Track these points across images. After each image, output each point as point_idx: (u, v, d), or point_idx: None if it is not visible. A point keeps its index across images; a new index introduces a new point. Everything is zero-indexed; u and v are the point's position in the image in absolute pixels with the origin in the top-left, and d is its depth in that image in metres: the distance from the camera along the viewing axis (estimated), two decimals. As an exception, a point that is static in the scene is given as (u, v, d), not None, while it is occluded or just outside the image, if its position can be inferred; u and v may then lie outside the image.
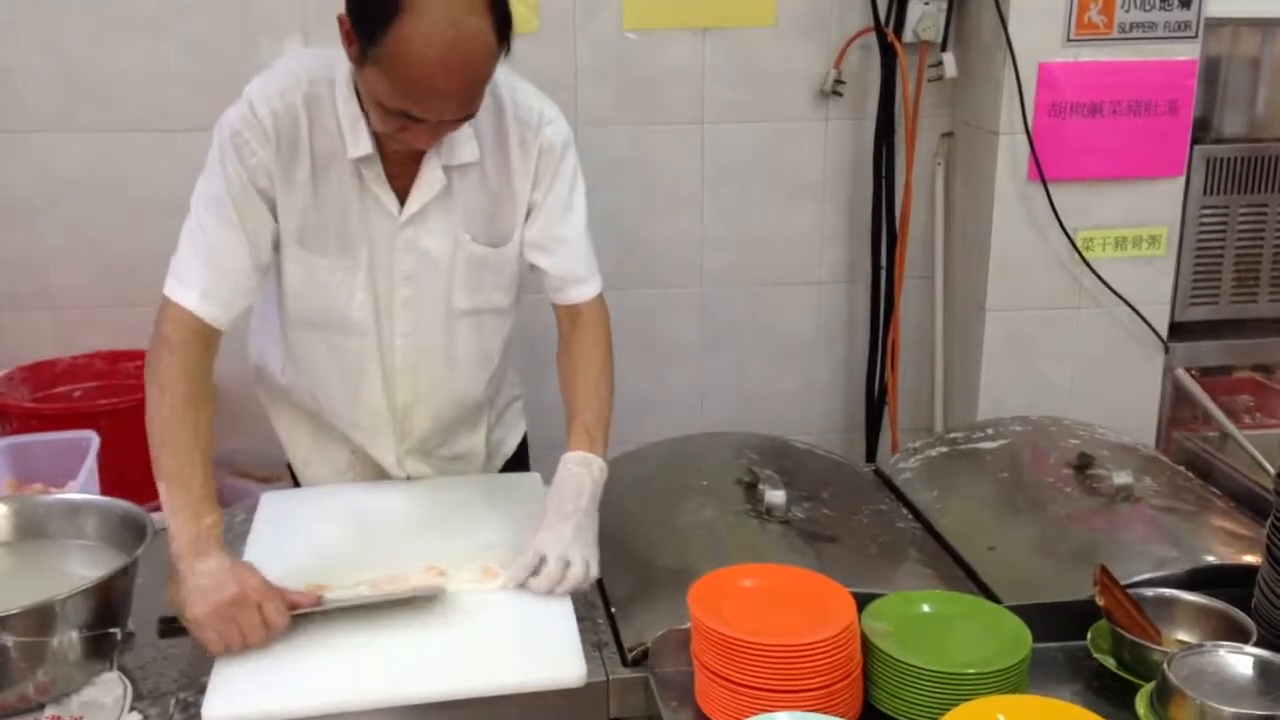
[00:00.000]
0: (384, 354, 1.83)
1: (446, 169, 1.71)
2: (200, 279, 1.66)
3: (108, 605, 1.39)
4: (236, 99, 1.72)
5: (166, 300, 1.68)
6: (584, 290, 1.83)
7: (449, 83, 1.50)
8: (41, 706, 1.35)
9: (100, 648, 1.40)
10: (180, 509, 1.52)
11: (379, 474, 1.96)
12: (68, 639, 1.34)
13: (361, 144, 1.66)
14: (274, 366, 1.95)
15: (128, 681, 1.41)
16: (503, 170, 1.76)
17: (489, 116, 1.72)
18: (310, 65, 1.70)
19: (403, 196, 1.72)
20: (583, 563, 1.58)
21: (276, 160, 1.67)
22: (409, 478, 1.95)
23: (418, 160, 1.70)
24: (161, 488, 1.55)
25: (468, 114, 1.57)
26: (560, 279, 1.82)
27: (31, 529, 1.55)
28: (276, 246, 1.74)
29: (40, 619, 1.32)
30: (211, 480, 1.57)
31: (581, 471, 1.67)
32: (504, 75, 1.73)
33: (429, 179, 1.71)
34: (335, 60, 1.66)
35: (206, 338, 1.67)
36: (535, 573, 1.58)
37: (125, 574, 1.42)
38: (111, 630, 1.40)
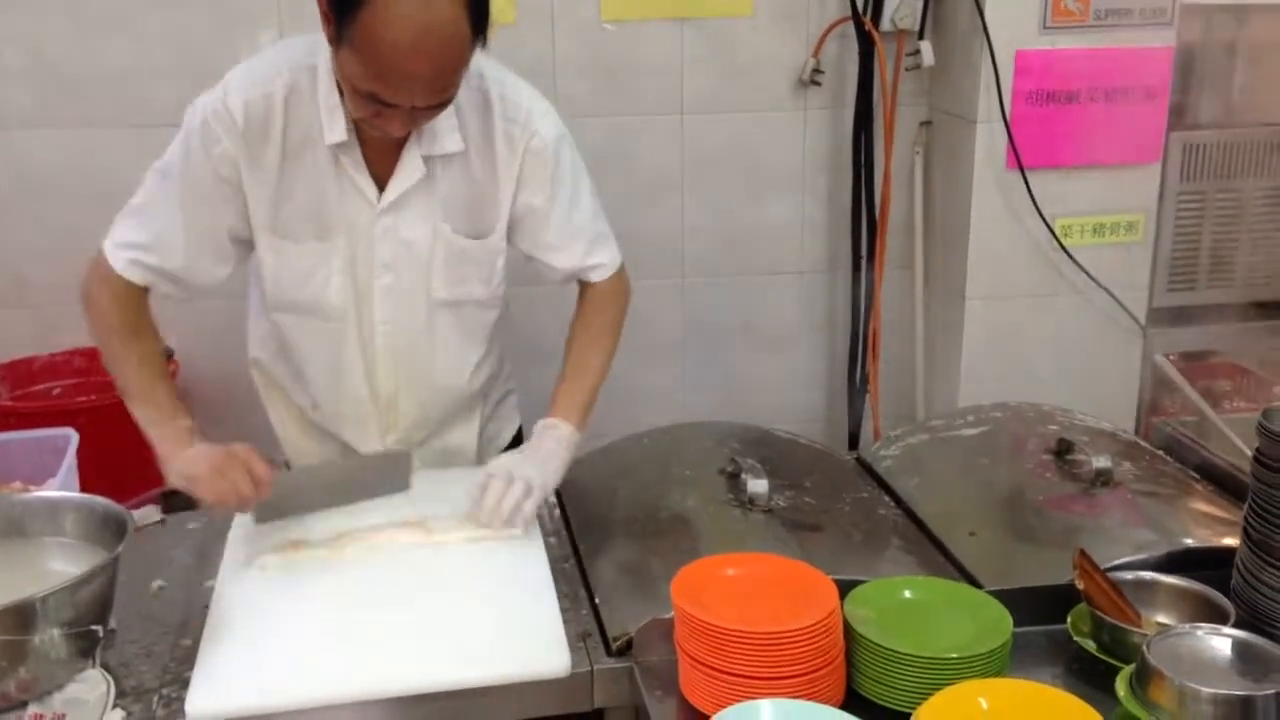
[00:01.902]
0: (365, 341, 1.83)
1: (428, 159, 1.71)
2: (134, 240, 1.73)
3: (89, 602, 1.38)
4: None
5: (105, 258, 1.75)
6: (600, 272, 1.88)
7: (419, 66, 1.50)
8: (24, 704, 1.34)
9: (82, 645, 1.39)
10: (154, 422, 1.69)
11: None
12: (49, 636, 1.34)
13: (337, 130, 1.66)
14: (266, 357, 1.95)
15: (110, 678, 1.40)
16: (488, 164, 1.76)
17: (475, 110, 1.73)
18: (293, 54, 1.70)
19: (382, 184, 1.72)
20: (524, 481, 1.67)
21: (244, 148, 1.67)
22: None
23: (398, 148, 1.70)
24: (133, 407, 1.72)
25: (441, 101, 1.57)
26: (577, 271, 1.87)
27: (11, 527, 1.54)
28: (248, 234, 1.75)
29: (21, 617, 1.31)
30: (174, 392, 1.76)
31: (546, 434, 1.76)
32: (494, 69, 1.75)
33: (409, 167, 1.71)
34: (319, 47, 1.65)
35: (136, 294, 1.76)
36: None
37: (106, 571, 1.41)
38: (94, 627, 1.39)
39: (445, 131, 1.70)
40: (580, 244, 1.85)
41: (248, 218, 1.73)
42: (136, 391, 1.72)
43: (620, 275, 1.92)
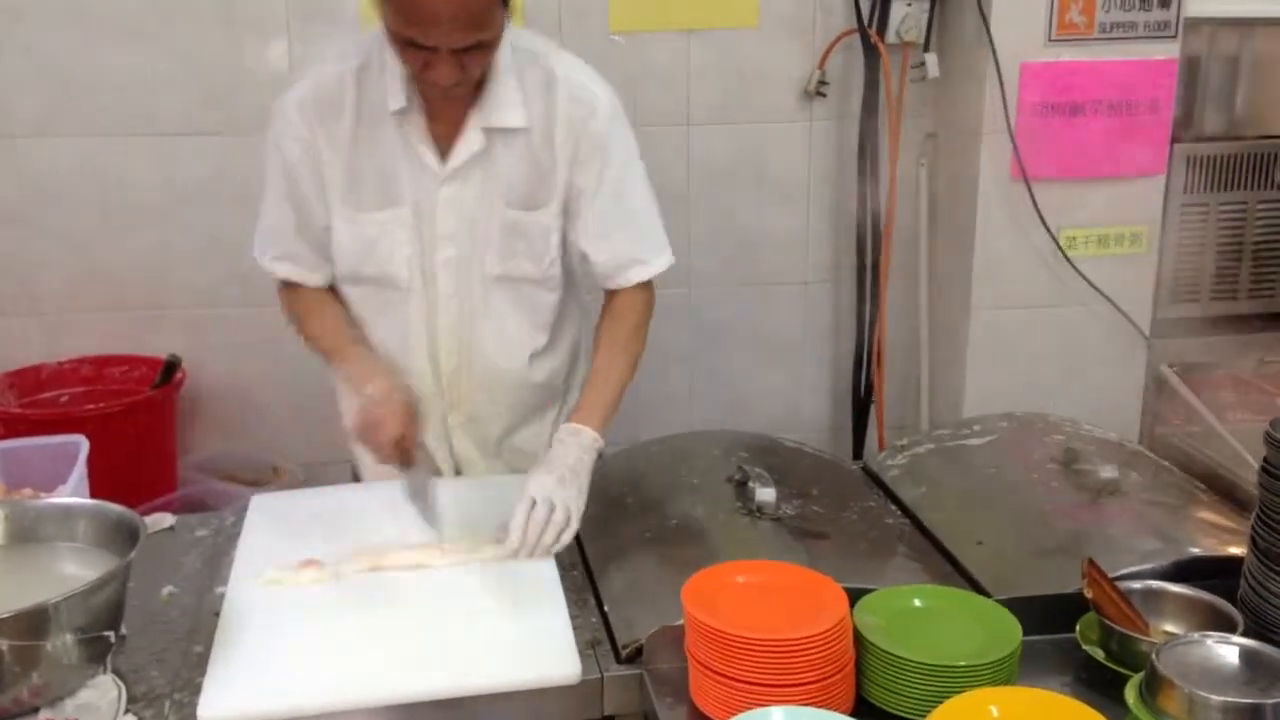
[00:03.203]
0: (428, 315, 1.87)
1: (488, 131, 1.75)
2: (280, 253, 1.88)
3: (102, 608, 1.39)
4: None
5: (269, 270, 1.92)
6: (639, 271, 1.87)
7: (445, 6, 1.54)
8: (36, 710, 1.34)
9: (95, 651, 1.39)
10: (342, 360, 1.82)
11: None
12: (62, 642, 1.34)
13: (398, 97, 1.72)
14: None
15: (122, 684, 1.41)
16: (547, 143, 1.79)
17: (539, 88, 1.77)
18: (367, 37, 1.78)
19: (446, 156, 1.77)
20: (565, 509, 1.65)
21: (319, 125, 1.76)
22: (458, 473, 1.99)
23: (461, 120, 1.75)
24: (332, 362, 1.85)
25: (477, 42, 1.60)
26: (611, 266, 1.86)
27: (24, 533, 1.54)
28: (327, 207, 1.82)
29: (34, 622, 1.31)
30: (362, 337, 1.87)
31: (570, 440, 1.74)
32: (561, 52, 1.81)
33: (469, 138, 1.75)
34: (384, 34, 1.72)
35: (297, 285, 1.91)
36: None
37: (119, 577, 1.42)
38: (106, 633, 1.40)
39: (508, 106, 1.74)
40: (625, 235, 1.85)
41: (327, 198, 1.80)
42: (328, 345, 1.85)
43: (648, 286, 1.91)
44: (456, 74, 1.63)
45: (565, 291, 1.93)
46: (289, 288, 1.91)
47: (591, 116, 1.78)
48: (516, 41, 1.76)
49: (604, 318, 1.90)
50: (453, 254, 1.83)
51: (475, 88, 1.73)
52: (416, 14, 1.55)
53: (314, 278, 1.89)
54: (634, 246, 1.86)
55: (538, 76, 1.77)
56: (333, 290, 1.92)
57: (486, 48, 1.63)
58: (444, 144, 1.77)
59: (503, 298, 1.87)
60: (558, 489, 1.67)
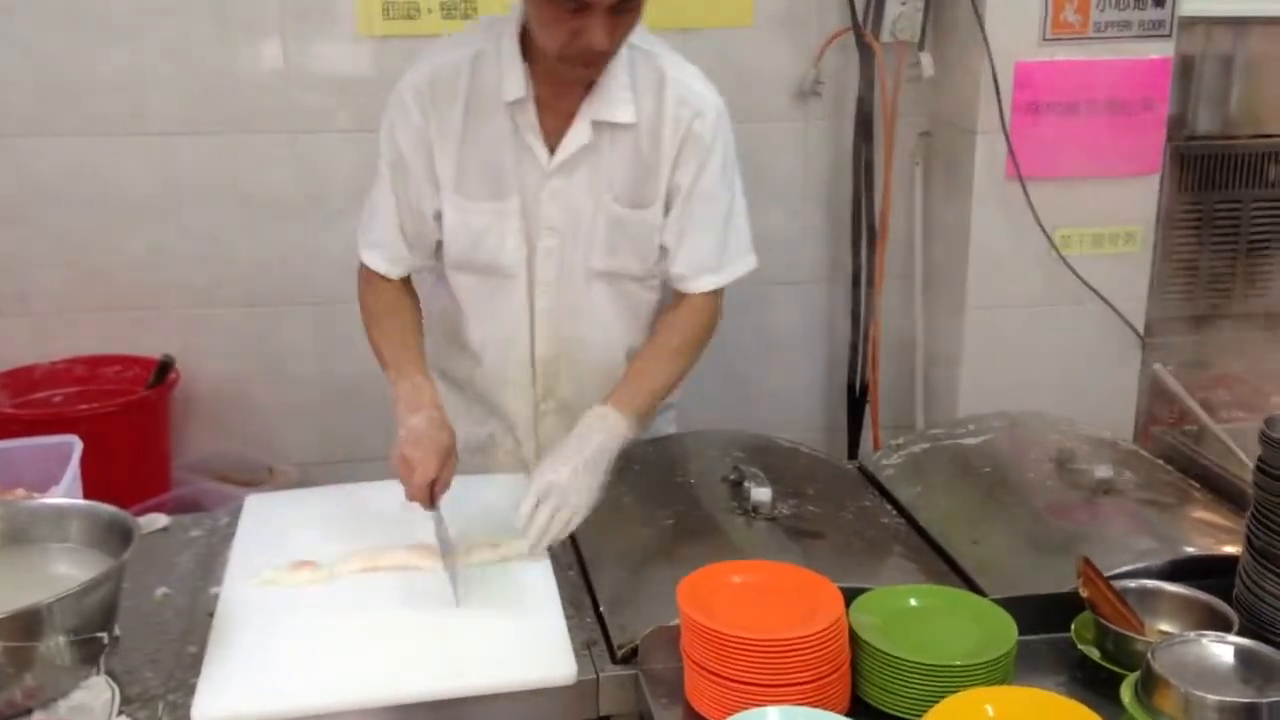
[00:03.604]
0: (530, 304, 1.89)
1: (597, 125, 1.76)
2: (366, 237, 1.89)
3: (95, 609, 1.38)
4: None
5: (360, 261, 1.91)
6: (699, 283, 1.87)
7: None
8: (29, 711, 1.34)
9: (88, 652, 1.39)
10: (397, 378, 1.79)
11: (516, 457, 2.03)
12: (55, 643, 1.33)
13: (515, 87, 1.73)
14: (431, 334, 1.99)
15: (115, 685, 1.40)
16: (654, 141, 1.80)
17: (649, 87, 1.78)
18: (486, 23, 1.82)
19: (554, 148, 1.78)
20: (571, 507, 1.64)
21: (433, 112, 1.77)
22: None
23: (571, 114, 1.76)
24: (388, 374, 1.82)
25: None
26: (683, 267, 1.86)
27: (17, 534, 1.53)
28: (438, 194, 1.83)
29: (27, 623, 1.31)
30: (419, 357, 1.84)
31: (596, 424, 1.72)
32: (673, 53, 1.82)
33: (578, 130, 1.76)
34: (503, 21, 1.77)
35: (393, 284, 1.90)
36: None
37: (112, 578, 1.41)
38: (99, 634, 1.39)
39: (618, 102, 1.75)
40: (703, 240, 1.85)
41: (437, 185, 1.82)
42: (390, 358, 1.83)
43: (716, 299, 1.91)
44: (609, 39, 1.62)
45: (665, 291, 1.94)
46: (370, 282, 1.91)
47: (697, 118, 1.79)
48: (631, 39, 1.75)
49: (663, 321, 1.90)
50: (554, 244, 1.84)
51: (587, 85, 1.74)
52: None
53: (395, 269, 1.89)
54: (708, 254, 1.86)
55: (649, 75, 1.78)
56: (410, 292, 1.93)
57: (635, 10, 1.63)
58: (552, 137, 1.78)
59: (604, 292, 1.89)
60: (570, 481, 1.66)
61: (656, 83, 1.78)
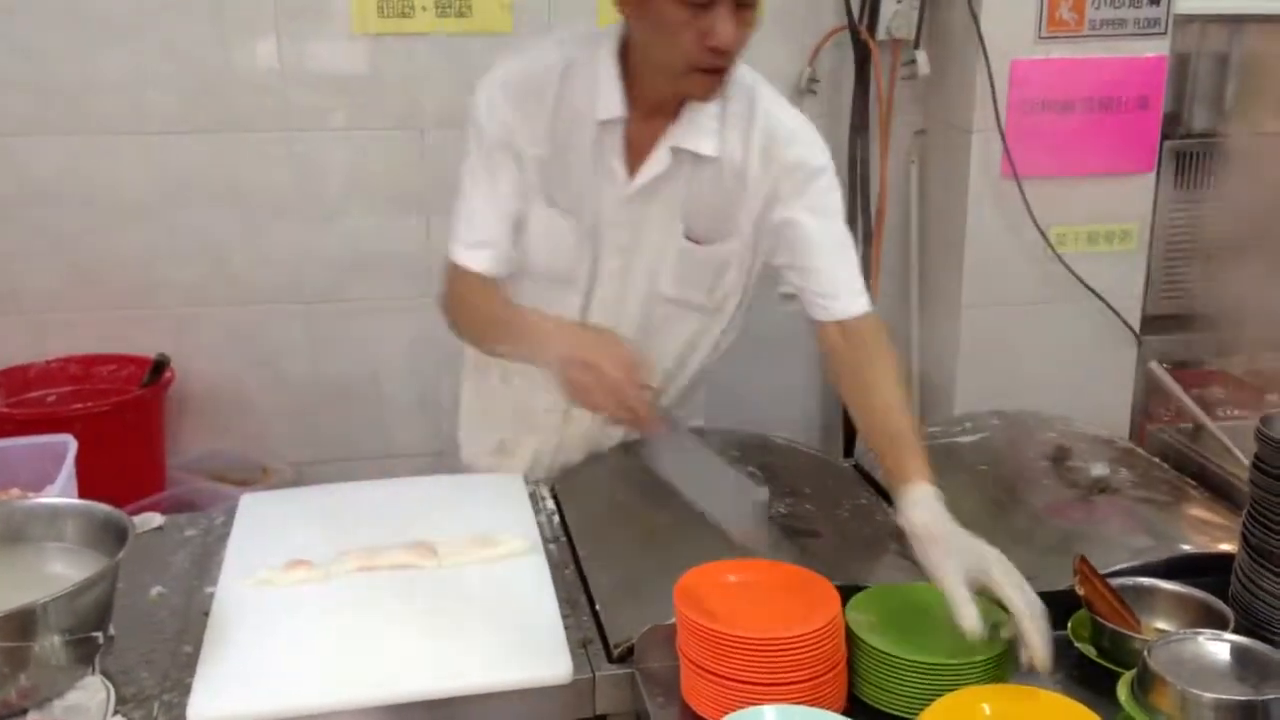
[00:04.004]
0: (584, 317, 1.86)
1: (677, 152, 1.72)
2: (464, 236, 1.81)
3: (90, 609, 1.38)
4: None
5: (450, 263, 1.82)
6: (853, 304, 1.75)
7: None
8: (24, 712, 1.33)
9: (83, 652, 1.38)
10: (519, 333, 1.71)
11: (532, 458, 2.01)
12: (50, 643, 1.33)
13: (612, 106, 1.70)
14: None
15: (110, 685, 1.40)
16: (739, 176, 1.75)
17: (739, 120, 1.74)
18: (570, 37, 1.77)
19: (633, 172, 1.75)
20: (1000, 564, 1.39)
21: (521, 115, 1.73)
22: None
23: (654, 140, 1.73)
24: (505, 347, 1.76)
25: None
26: (823, 294, 1.76)
27: (12, 533, 1.53)
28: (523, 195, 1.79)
29: (22, 623, 1.30)
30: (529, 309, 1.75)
31: (930, 510, 1.47)
32: (768, 89, 1.78)
33: (658, 157, 1.73)
34: (601, 33, 1.73)
35: (483, 280, 1.81)
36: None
37: (107, 577, 1.41)
38: (94, 634, 1.39)
39: (704, 132, 1.72)
40: (828, 266, 1.76)
41: (524, 186, 1.77)
42: (504, 323, 1.75)
43: (877, 316, 1.77)
44: (739, 38, 1.58)
45: (731, 321, 1.93)
46: (468, 285, 1.81)
47: (787, 149, 1.74)
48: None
49: (863, 356, 1.72)
50: (618, 266, 1.82)
51: (672, 113, 1.71)
52: None
53: (502, 269, 1.81)
54: (835, 277, 1.76)
55: (741, 111, 1.74)
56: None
57: (757, 5, 1.59)
58: (633, 161, 1.75)
59: (664, 316, 1.87)
60: (1028, 595, 1.37)
61: (746, 116, 1.74)
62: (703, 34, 1.57)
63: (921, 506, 1.47)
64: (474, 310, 1.82)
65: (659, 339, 1.90)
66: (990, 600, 1.44)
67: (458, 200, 1.81)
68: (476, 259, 1.79)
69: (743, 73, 1.75)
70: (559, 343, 1.66)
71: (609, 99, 1.70)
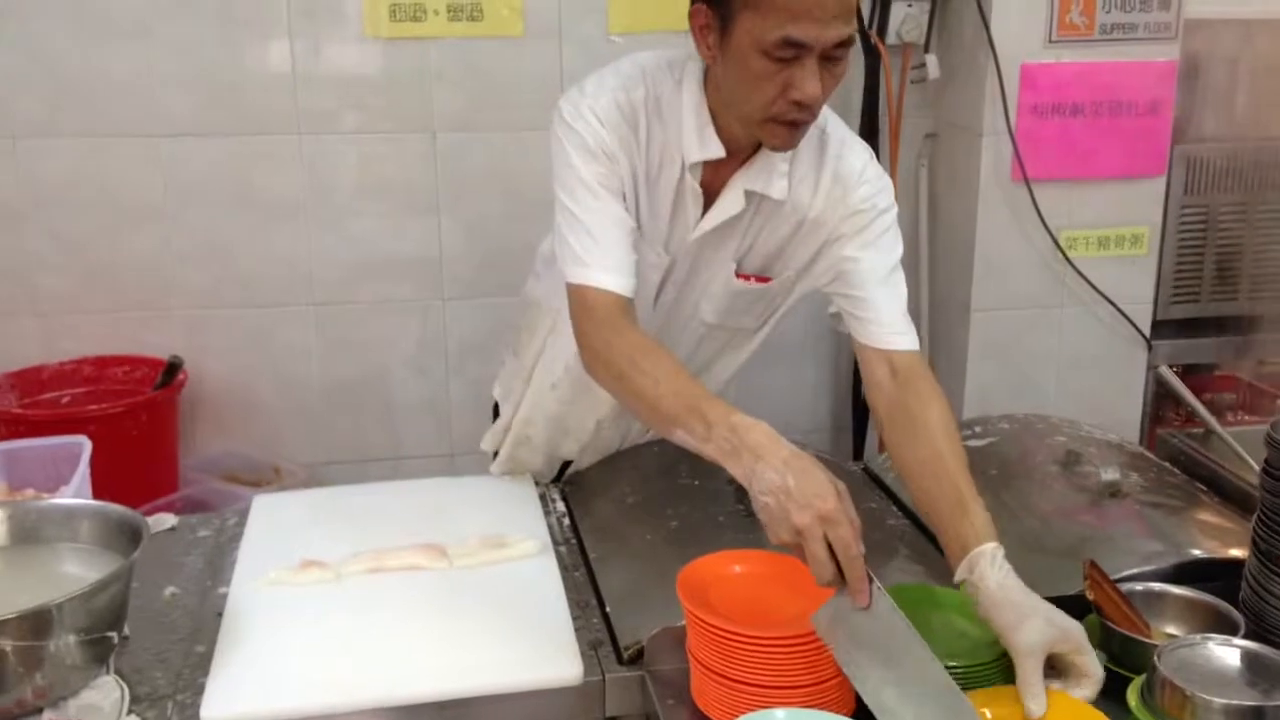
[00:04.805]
0: None
1: (749, 194, 1.67)
2: (596, 259, 1.61)
3: (105, 609, 1.39)
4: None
5: (578, 288, 1.61)
6: (900, 340, 1.69)
7: None
8: (39, 710, 1.35)
9: (97, 651, 1.40)
10: (715, 440, 1.39)
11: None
12: (65, 643, 1.34)
13: (710, 147, 1.63)
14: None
15: (125, 685, 1.41)
16: (802, 216, 1.72)
17: (808, 162, 1.69)
18: (648, 65, 1.68)
19: (704, 212, 1.70)
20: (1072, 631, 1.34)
21: (618, 142, 1.63)
22: None
23: (724, 179, 1.67)
24: (678, 434, 1.44)
25: (848, 37, 1.49)
26: (872, 321, 1.70)
27: (27, 534, 1.54)
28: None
29: (37, 623, 1.31)
30: (718, 400, 1.45)
31: (1003, 572, 1.40)
32: (836, 125, 1.73)
33: (730, 198, 1.67)
34: (678, 62, 1.66)
35: (624, 307, 1.60)
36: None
37: (122, 577, 1.42)
38: (108, 634, 1.40)
39: (775, 174, 1.66)
40: (885, 305, 1.70)
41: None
42: (682, 408, 1.44)
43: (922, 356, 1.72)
44: (822, 88, 1.50)
45: (764, 331, 1.93)
46: (605, 316, 1.59)
47: (854, 190, 1.69)
48: None
49: (916, 399, 1.64)
50: (672, 298, 1.80)
51: (748, 155, 1.65)
52: (803, 4, 1.44)
53: (632, 287, 1.63)
54: (892, 314, 1.70)
55: (809, 149, 1.69)
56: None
57: (846, 57, 1.52)
58: (704, 202, 1.70)
59: (707, 338, 1.87)
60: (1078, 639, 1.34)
61: (817, 157, 1.69)
62: (786, 86, 1.50)
63: (995, 567, 1.39)
64: (648, 379, 1.50)
65: (700, 358, 1.90)
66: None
67: (566, 219, 1.64)
68: (618, 283, 1.60)
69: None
70: (773, 467, 1.33)
71: (706, 141, 1.63)
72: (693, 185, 1.67)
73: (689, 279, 1.79)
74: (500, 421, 2.06)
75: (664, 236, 1.73)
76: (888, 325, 1.70)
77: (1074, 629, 1.33)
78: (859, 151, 1.73)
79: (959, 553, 1.45)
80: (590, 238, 1.61)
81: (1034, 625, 1.31)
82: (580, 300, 1.61)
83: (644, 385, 1.50)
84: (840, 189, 1.70)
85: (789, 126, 1.55)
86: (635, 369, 1.51)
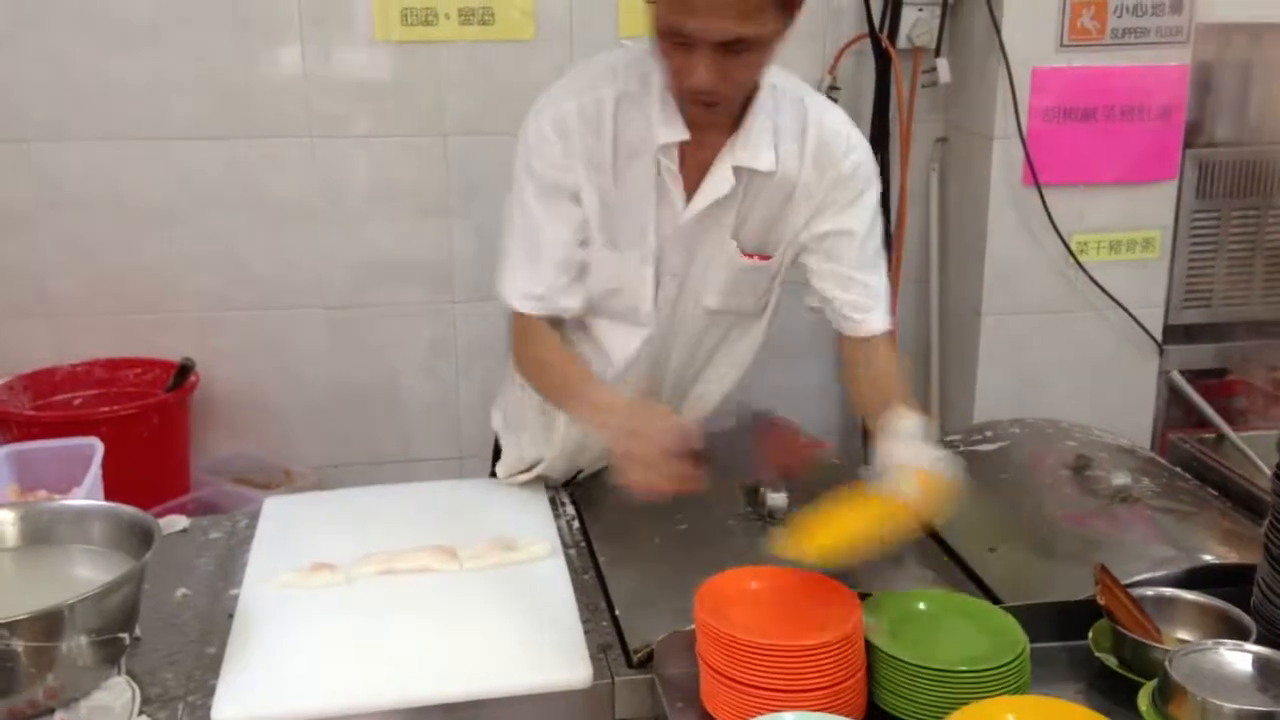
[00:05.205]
0: (657, 348, 1.85)
1: (738, 170, 1.69)
2: (527, 289, 1.74)
3: (116, 610, 1.39)
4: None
5: (513, 310, 1.77)
6: (881, 321, 1.79)
7: None
8: (51, 711, 1.35)
9: (109, 652, 1.40)
10: (582, 405, 1.67)
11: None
12: (77, 644, 1.35)
13: (673, 130, 1.64)
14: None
15: (136, 686, 1.41)
16: (788, 187, 1.73)
17: (792, 132, 1.71)
18: (619, 62, 1.71)
19: (690, 194, 1.72)
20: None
21: (580, 150, 1.68)
22: None
23: (709, 159, 1.69)
24: (571, 414, 1.74)
25: (738, 38, 1.49)
26: (853, 309, 1.78)
27: (39, 535, 1.55)
28: (588, 240, 1.74)
29: (49, 624, 1.32)
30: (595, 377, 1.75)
31: (911, 425, 1.61)
32: (814, 96, 1.76)
33: (718, 177, 1.69)
34: (646, 59, 1.66)
35: (549, 331, 1.78)
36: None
37: (133, 579, 1.42)
38: (120, 635, 1.41)
39: (760, 147, 1.68)
40: (862, 283, 1.77)
41: (586, 224, 1.73)
42: (561, 387, 1.73)
43: (894, 335, 1.81)
44: (712, 78, 1.52)
45: (772, 319, 1.94)
46: (534, 332, 1.77)
47: (846, 159, 1.72)
48: (774, 80, 1.70)
49: (879, 370, 1.78)
50: (674, 288, 1.79)
51: (727, 128, 1.67)
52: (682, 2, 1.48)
53: (567, 310, 1.77)
54: (867, 295, 1.78)
55: (792, 120, 1.71)
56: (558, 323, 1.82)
57: (749, 51, 1.52)
58: (690, 183, 1.71)
59: (713, 326, 1.87)
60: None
61: (799, 130, 1.71)
62: (681, 70, 1.54)
63: (908, 421, 1.61)
64: (549, 371, 1.76)
65: (719, 355, 1.91)
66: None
67: (509, 239, 1.75)
68: (540, 308, 1.74)
69: (786, 82, 1.73)
70: (614, 416, 1.58)
71: (670, 122, 1.65)
72: (668, 167, 1.68)
73: (688, 268, 1.79)
74: (514, 457, 2.00)
75: (650, 225, 1.73)
76: (875, 311, 1.78)
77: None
78: (841, 116, 1.77)
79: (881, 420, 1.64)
80: (528, 265, 1.73)
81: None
82: (517, 323, 1.77)
83: (550, 376, 1.76)
84: (829, 153, 1.72)
85: (700, 106, 1.60)
86: (543, 365, 1.77)
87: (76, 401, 2.79)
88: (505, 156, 2.98)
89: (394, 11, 2.78)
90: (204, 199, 2.84)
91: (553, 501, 1.91)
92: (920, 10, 2.89)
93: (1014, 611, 1.43)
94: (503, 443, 2.05)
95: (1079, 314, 2.92)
